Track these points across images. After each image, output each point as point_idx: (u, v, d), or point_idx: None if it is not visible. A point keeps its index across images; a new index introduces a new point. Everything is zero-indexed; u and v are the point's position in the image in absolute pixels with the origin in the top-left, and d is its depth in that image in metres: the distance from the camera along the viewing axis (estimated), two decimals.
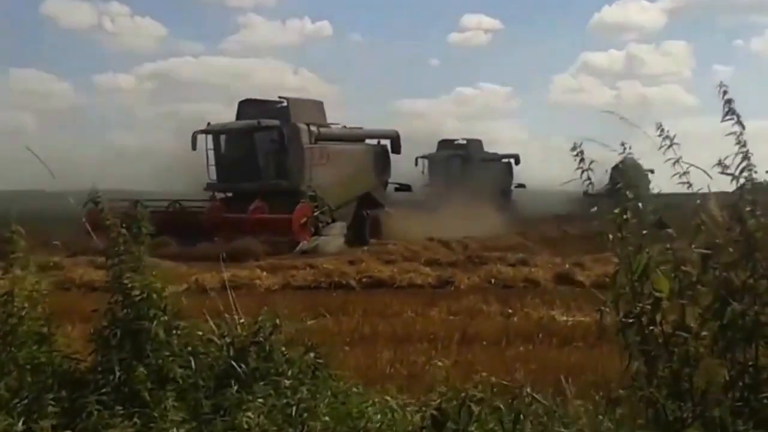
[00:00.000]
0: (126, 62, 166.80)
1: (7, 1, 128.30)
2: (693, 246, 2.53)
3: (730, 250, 2.47)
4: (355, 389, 2.93)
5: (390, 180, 24.61)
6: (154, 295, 3.00)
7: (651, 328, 2.42)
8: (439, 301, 8.96)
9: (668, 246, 2.50)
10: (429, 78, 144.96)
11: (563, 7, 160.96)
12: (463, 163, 35.11)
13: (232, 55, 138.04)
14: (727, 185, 2.65)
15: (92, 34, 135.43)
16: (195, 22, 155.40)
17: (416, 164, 33.97)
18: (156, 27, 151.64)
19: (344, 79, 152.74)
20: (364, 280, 12.36)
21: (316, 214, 19.36)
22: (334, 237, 19.75)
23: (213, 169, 20.43)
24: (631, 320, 2.43)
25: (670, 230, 2.60)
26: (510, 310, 8.18)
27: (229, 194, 20.78)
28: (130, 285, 2.99)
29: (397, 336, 6.25)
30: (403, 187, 25.36)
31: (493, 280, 11.35)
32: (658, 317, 2.42)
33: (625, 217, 2.56)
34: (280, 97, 21.09)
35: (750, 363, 2.37)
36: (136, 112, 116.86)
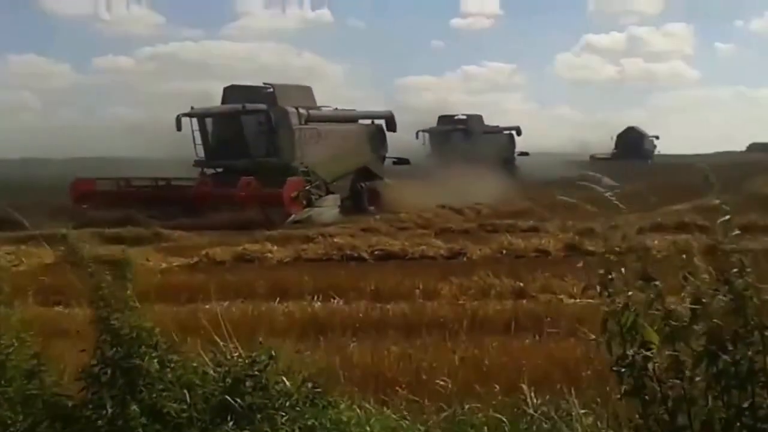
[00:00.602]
0: (125, 46, 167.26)
1: None
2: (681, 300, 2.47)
3: (720, 304, 2.41)
4: (356, 413, 2.81)
5: (388, 155, 25.66)
6: (144, 334, 2.87)
7: (644, 371, 2.39)
8: (451, 275, 8.80)
9: (655, 301, 2.41)
10: (434, 58, 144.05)
11: None
12: (464, 136, 36.26)
13: (232, 39, 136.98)
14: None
15: (89, 22, 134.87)
16: (193, 10, 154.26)
17: (417, 137, 34.82)
18: (153, 16, 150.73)
19: (349, 60, 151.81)
20: (376, 252, 12.30)
21: (308, 187, 20.16)
22: (328, 208, 20.71)
23: (200, 148, 21.06)
24: (624, 364, 2.41)
25: (657, 283, 2.51)
26: (521, 284, 8.07)
27: (219, 170, 21.30)
28: (118, 325, 2.87)
29: (406, 322, 6.13)
30: (401, 161, 26.48)
31: (504, 251, 11.21)
32: (650, 365, 2.39)
33: (610, 277, 2.48)
34: (265, 84, 21.85)
35: (746, 405, 2.31)
36: (137, 89, 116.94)
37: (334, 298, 7.66)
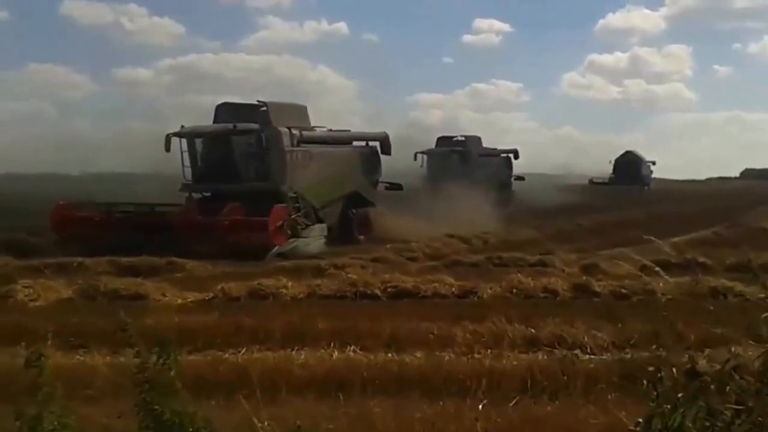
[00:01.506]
0: (144, 57, 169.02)
1: (24, 3, 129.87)
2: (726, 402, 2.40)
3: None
4: None
5: (381, 179, 24.54)
6: (187, 420, 2.84)
7: None
8: (463, 318, 8.76)
9: (702, 403, 2.36)
10: (444, 74, 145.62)
11: (569, 15, 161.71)
12: (462, 158, 35.88)
13: (250, 52, 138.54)
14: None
15: (110, 33, 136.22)
16: (213, 22, 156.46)
17: (415, 159, 34.47)
18: (174, 26, 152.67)
19: (362, 75, 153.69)
20: (389, 290, 12.25)
21: (294, 216, 18.86)
22: (314, 239, 19.45)
23: (188, 170, 19.91)
24: None
25: (704, 377, 2.46)
26: (533, 330, 8.02)
27: (207, 195, 20.26)
28: (160, 410, 2.84)
29: (424, 377, 6.09)
30: (394, 186, 25.21)
31: (514, 290, 11.17)
32: None
33: (660, 375, 2.42)
34: (259, 101, 20.56)
35: None
36: (154, 102, 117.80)
37: (351, 345, 7.63)
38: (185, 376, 6.64)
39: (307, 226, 19.40)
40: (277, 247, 17.79)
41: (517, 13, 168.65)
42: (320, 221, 20.47)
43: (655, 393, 2.37)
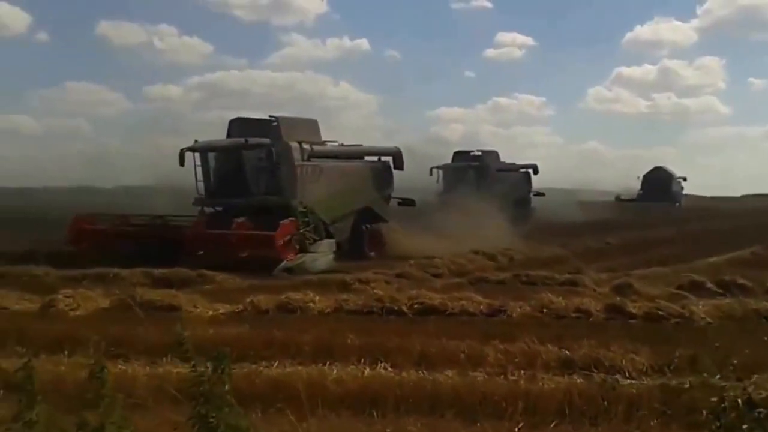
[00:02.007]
0: (174, 75, 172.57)
1: (63, 24, 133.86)
2: None
3: None
4: None
5: (394, 194, 24.34)
6: None
7: None
8: (493, 338, 8.71)
9: None
10: (465, 89, 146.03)
11: (595, 27, 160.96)
12: (478, 173, 35.02)
13: (275, 69, 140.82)
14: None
15: (143, 52, 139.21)
16: (240, 41, 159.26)
17: (431, 174, 33.91)
18: (203, 45, 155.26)
19: (383, 90, 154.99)
20: (416, 306, 12.23)
21: (302, 230, 18.80)
22: (322, 254, 19.20)
23: (201, 185, 20.13)
24: None
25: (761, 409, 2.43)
26: (567, 352, 7.95)
27: (219, 209, 20.46)
28: (215, 424, 2.88)
29: (458, 397, 6.07)
30: (407, 202, 24.92)
31: (544, 310, 11.08)
32: None
33: (723, 405, 2.39)
34: (270, 116, 20.72)
35: None
36: (182, 118, 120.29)
37: (381, 362, 7.64)
38: None
39: (316, 241, 19.31)
40: (284, 262, 17.68)
41: (541, 27, 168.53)
42: (330, 236, 20.35)
43: (718, 423, 2.34)
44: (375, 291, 13.64)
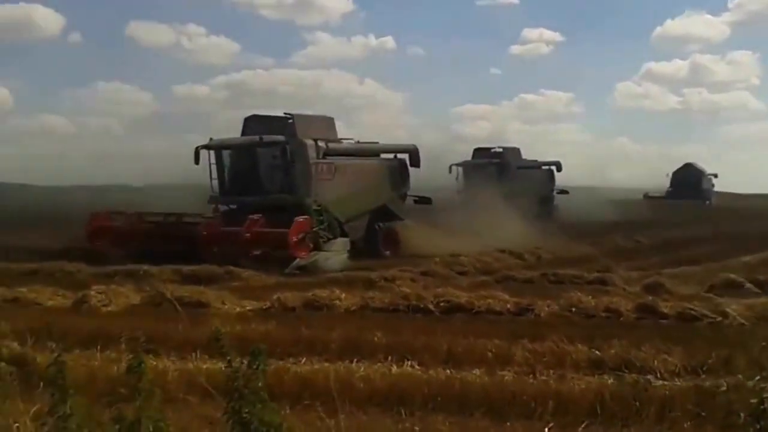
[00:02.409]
0: (202, 74, 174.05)
1: (94, 25, 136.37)
2: None
3: None
4: None
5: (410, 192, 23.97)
6: (273, 430, 2.91)
7: None
8: (521, 336, 8.66)
9: None
10: (491, 86, 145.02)
11: (624, 22, 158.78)
12: (499, 170, 34.15)
13: (300, 67, 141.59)
14: None
15: (171, 52, 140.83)
16: (266, 39, 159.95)
17: (450, 171, 33.27)
18: (230, 44, 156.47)
19: (408, 87, 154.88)
20: (442, 304, 12.21)
21: (316, 229, 18.64)
22: (336, 253, 19.01)
23: (215, 183, 20.18)
24: None
25: None
26: (597, 352, 7.88)
27: (233, 207, 20.38)
28: (249, 419, 2.92)
29: (488, 396, 6.05)
30: (423, 200, 24.53)
31: (573, 309, 10.98)
32: None
33: (763, 407, 2.33)
34: (286, 114, 20.57)
35: None
36: (209, 117, 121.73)
37: (408, 360, 7.64)
38: None
39: (330, 239, 19.17)
40: (297, 260, 17.58)
41: (569, 22, 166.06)
42: (344, 235, 20.21)
43: (758, 426, 2.30)
44: (401, 289, 13.65)
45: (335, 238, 19.46)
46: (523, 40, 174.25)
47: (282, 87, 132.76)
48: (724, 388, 5.03)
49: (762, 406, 2.34)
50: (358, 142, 22.78)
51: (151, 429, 2.81)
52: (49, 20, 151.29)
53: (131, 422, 2.78)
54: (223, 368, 2.99)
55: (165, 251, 17.16)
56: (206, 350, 7.44)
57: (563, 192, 38.89)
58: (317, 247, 18.49)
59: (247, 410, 2.94)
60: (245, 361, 3.06)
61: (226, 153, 20.40)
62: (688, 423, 5.04)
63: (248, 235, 17.62)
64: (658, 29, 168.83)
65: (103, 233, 19.32)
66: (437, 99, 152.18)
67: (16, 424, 3.38)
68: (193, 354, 7.55)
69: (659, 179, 62.10)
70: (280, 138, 19.56)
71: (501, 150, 35.72)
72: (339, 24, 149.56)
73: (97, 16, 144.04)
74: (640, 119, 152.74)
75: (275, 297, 12.73)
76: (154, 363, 7.13)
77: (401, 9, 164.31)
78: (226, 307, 11.81)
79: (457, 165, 33.94)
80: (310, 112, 22.02)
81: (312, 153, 19.95)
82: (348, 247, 19.72)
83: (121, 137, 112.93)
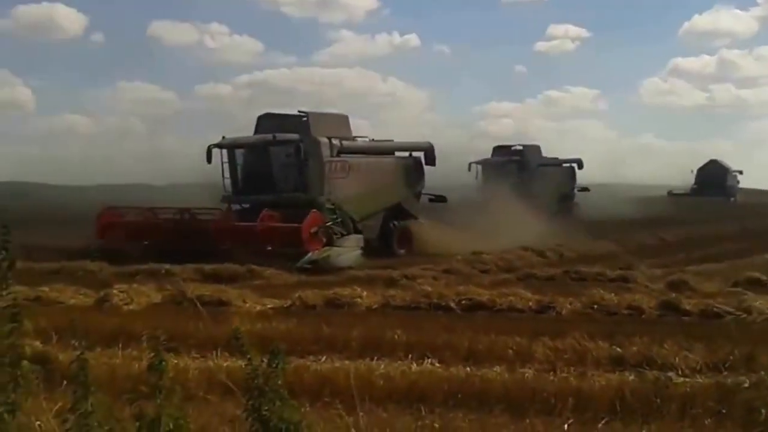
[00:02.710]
0: (225, 74, 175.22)
1: (116, 25, 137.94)
2: None
3: None
4: None
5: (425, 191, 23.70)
6: (292, 427, 2.94)
7: None
8: (542, 334, 8.63)
9: None
10: (516, 83, 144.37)
11: (650, 17, 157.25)
12: (519, 168, 33.78)
13: (323, 65, 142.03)
14: None
15: (194, 51, 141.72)
16: (289, 38, 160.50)
17: (469, 169, 32.96)
18: (253, 43, 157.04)
19: (432, 85, 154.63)
20: (464, 302, 12.21)
21: (329, 223, 18.51)
22: (349, 249, 18.82)
23: (228, 182, 20.10)
24: None
25: None
26: (618, 350, 7.83)
27: (246, 206, 20.24)
28: (268, 416, 2.95)
29: (508, 394, 6.05)
30: (439, 199, 24.31)
31: (595, 306, 10.92)
32: None
33: None
34: (299, 111, 20.45)
35: None
36: (232, 116, 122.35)
37: (429, 357, 7.66)
38: None
39: (343, 235, 19.04)
40: (310, 254, 17.45)
41: (595, 18, 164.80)
42: (358, 232, 20.05)
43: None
44: (422, 287, 13.66)
45: (348, 234, 19.36)
46: (548, 36, 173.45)
47: (305, 86, 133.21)
48: (746, 385, 4.98)
49: None
50: (373, 140, 22.65)
51: (171, 426, 2.85)
52: (71, 20, 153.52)
53: (152, 419, 2.82)
54: (243, 366, 3.03)
55: (178, 248, 17.17)
56: (227, 348, 7.53)
57: (584, 190, 38.44)
58: (330, 243, 18.40)
59: (266, 408, 2.97)
60: (265, 360, 3.09)
61: (239, 152, 20.36)
62: (709, 420, 5.00)
63: (260, 229, 17.58)
64: (686, 24, 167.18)
65: (114, 228, 19.36)
66: (461, 97, 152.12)
67: (38, 422, 3.44)
68: (214, 352, 7.63)
69: (684, 176, 61.45)
70: (294, 136, 19.46)
71: (521, 148, 35.40)
72: (362, 21, 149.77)
73: (119, 15, 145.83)
74: (666, 116, 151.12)
75: (296, 295, 12.82)
76: (175, 361, 7.22)
77: (426, 6, 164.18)
78: (247, 305, 11.90)
79: (477, 163, 33.66)
80: (333, 110, 22.52)
81: (326, 151, 19.86)
82: (361, 243, 19.59)
83: (144, 137, 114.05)
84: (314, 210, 18.42)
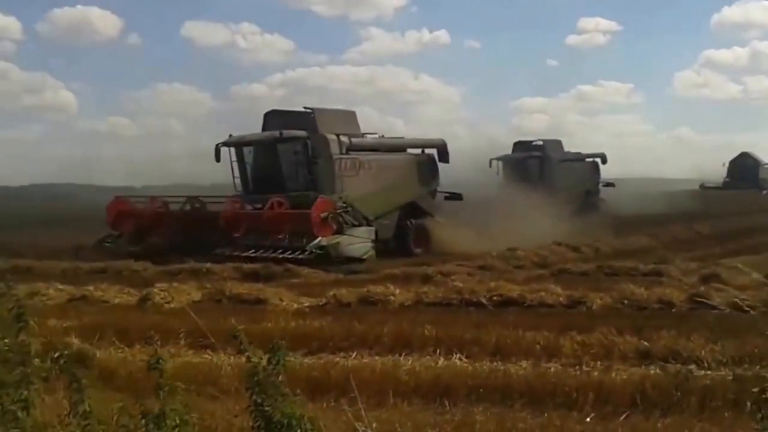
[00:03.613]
0: (258, 73, 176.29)
1: (150, 26, 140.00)
2: None
3: None
4: None
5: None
6: (295, 422, 2.95)
7: None
8: (571, 329, 8.49)
9: None
10: (548, 78, 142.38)
11: (680, 10, 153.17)
12: (541, 163, 32.61)
13: (354, 63, 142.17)
14: None
15: (227, 51, 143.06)
16: (320, 36, 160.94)
17: (490, 165, 32.09)
18: (284, 42, 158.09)
19: (464, 81, 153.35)
20: (495, 298, 12.08)
21: (340, 211, 18.06)
22: (359, 239, 18.37)
23: (238, 181, 19.92)
24: None
25: None
26: (645, 343, 7.66)
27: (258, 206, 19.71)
28: (270, 412, 2.97)
29: (530, 388, 5.97)
30: (454, 196, 23.58)
31: (625, 301, 10.69)
32: None
33: (765, 396, 2.24)
34: (306, 108, 19.97)
35: None
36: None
37: (456, 353, 7.62)
38: (299, 377, 6.90)
39: (354, 226, 18.57)
40: (319, 239, 17.05)
41: (625, 10, 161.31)
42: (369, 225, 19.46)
43: (760, 414, 2.21)
44: (455, 283, 13.57)
45: (360, 226, 18.94)
46: (579, 30, 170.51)
47: (337, 84, 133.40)
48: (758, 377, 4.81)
49: (764, 395, 2.24)
50: (383, 136, 21.93)
51: (177, 421, 2.90)
52: (106, 22, 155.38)
53: (156, 415, 2.87)
54: (244, 363, 3.06)
55: (190, 239, 17.25)
56: (260, 345, 7.60)
57: (609, 185, 37.06)
58: (340, 231, 17.99)
59: (269, 403, 2.99)
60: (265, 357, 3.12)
61: (247, 150, 19.97)
62: (728, 413, 4.85)
63: (271, 215, 17.37)
64: (716, 16, 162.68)
65: (125, 217, 19.38)
66: (494, 93, 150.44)
67: (59, 419, 3.51)
68: (259, 350, 7.69)
69: (718, 169, 59.86)
70: (302, 133, 18.98)
71: (542, 143, 34.25)
72: (392, 19, 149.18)
73: (152, 16, 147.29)
74: (700, 108, 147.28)
75: (331, 293, 12.89)
76: (209, 357, 7.33)
77: (455, 1, 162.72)
78: (284, 303, 12.00)
79: (497, 159, 32.69)
80: (361, 107, 22.16)
81: (334, 148, 19.29)
82: (373, 236, 19.14)
83: (184, 138, 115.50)
84: (323, 196, 18.12)
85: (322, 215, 17.43)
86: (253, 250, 17.12)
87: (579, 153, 36.01)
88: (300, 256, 16.76)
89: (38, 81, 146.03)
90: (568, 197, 28.95)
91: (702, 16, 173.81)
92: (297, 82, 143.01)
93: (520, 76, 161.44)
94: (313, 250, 16.76)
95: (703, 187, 58.97)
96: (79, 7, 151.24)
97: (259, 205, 18.62)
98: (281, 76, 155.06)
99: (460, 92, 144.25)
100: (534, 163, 32.65)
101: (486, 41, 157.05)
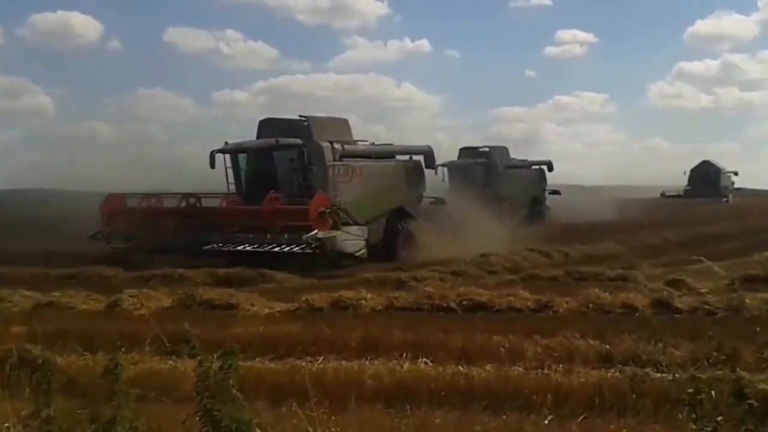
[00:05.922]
0: (241, 80, 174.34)
1: (132, 31, 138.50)
2: None
3: None
4: None
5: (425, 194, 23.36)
6: (244, 426, 2.94)
7: None
8: (536, 332, 8.57)
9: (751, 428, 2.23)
10: (526, 88, 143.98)
11: (655, 23, 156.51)
12: (486, 170, 31.97)
13: (338, 71, 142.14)
14: None
15: (210, 57, 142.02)
16: (303, 44, 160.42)
17: (436, 172, 31.74)
18: (268, 50, 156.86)
19: (445, 90, 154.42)
20: (465, 303, 12.13)
21: (336, 208, 18.25)
22: (353, 236, 18.65)
23: (233, 187, 19.95)
24: None
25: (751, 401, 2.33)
26: (607, 347, 7.76)
27: None
28: (219, 417, 2.95)
29: (491, 391, 6.01)
30: (438, 201, 23.98)
31: (590, 305, 10.81)
32: None
33: (699, 397, 2.31)
34: (300, 116, 20.18)
35: None
36: (251, 123, 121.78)
37: (422, 357, 7.63)
38: (264, 382, 6.84)
39: (349, 224, 18.73)
40: (315, 231, 17.16)
41: (601, 23, 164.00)
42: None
43: (693, 415, 2.26)
44: (426, 288, 13.60)
45: (354, 225, 19.12)
46: (557, 41, 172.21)
47: (320, 91, 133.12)
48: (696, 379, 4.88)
49: (699, 396, 2.29)
50: (373, 144, 22.38)
51: (127, 428, 2.87)
52: (87, 27, 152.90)
53: (107, 421, 2.84)
54: (195, 368, 3.04)
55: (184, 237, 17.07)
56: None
57: (555, 192, 36.87)
58: (336, 227, 18.14)
59: (218, 408, 2.98)
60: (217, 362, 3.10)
61: (242, 157, 20.19)
62: (682, 414, 4.90)
63: (268, 210, 17.38)
64: (689, 29, 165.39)
65: (119, 215, 19.23)
66: (474, 102, 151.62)
67: (6, 425, 3.47)
68: (214, 355, 7.62)
69: (681, 177, 60.28)
70: (297, 141, 19.22)
71: (488, 149, 33.49)
72: (375, 28, 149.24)
73: (134, 22, 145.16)
74: (673, 119, 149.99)
75: (303, 298, 12.83)
76: (173, 364, 7.27)
77: (436, 12, 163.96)
78: (255, 308, 11.92)
79: (443, 165, 32.13)
80: (344, 115, 22.10)
81: (329, 155, 19.49)
82: (365, 235, 19.41)
83: (164, 143, 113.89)
84: (321, 191, 18.29)
85: (320, 210, 17.63)
86: (247, 245, 17.24)
87: (525, 160, 35.60)
88: (295, 249, 16.86)
89: (17, 85, 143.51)
90: (513, 205, 28.92)
91: (676, 29, 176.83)
92: (280, 89, 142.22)
93: (500, 86, 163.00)
94: (310, 241, 16.85)
95: (663, 195, 59.15)
96: (59, 12, 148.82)
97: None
98: (264, 83, 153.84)
99: (441, 100, 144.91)
100: (479, 169, 31.77)
101: (466, 51, 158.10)
